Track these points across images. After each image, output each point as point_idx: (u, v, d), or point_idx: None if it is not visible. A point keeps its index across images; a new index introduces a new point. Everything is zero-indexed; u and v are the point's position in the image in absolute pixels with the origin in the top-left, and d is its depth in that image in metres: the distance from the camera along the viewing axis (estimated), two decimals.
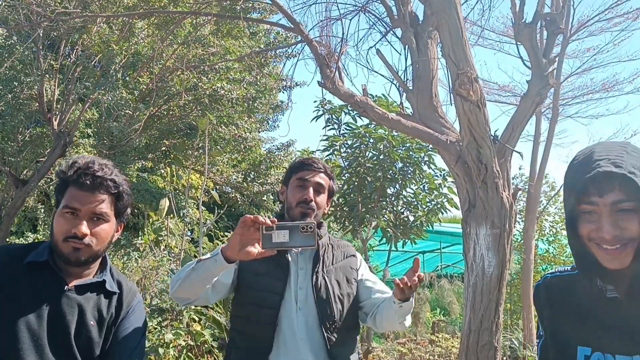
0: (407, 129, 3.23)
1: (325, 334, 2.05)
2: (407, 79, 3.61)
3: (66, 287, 1.58)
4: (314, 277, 2.12)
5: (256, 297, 2.08)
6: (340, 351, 2.09)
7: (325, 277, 2.14)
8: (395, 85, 3.65)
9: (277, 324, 2.04)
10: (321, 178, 2.23)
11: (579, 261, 1.37)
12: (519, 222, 8.75)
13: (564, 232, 10.78)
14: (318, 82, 3.23)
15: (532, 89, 3.15)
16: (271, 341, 2.02)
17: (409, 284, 1.84)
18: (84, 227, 1.57)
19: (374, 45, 3.79)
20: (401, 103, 3.71)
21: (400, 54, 3.66)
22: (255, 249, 1.72)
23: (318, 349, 2.04)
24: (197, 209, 7.11)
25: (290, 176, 2.27)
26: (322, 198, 2.23)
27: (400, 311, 1.99)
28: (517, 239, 9.14)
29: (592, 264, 1.32)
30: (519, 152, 3.17)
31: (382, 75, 3.75)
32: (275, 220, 1.72)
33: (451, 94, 2.95)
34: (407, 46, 3.60)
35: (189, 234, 8.91)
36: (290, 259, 2.14)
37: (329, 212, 7.34)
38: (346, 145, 7.36)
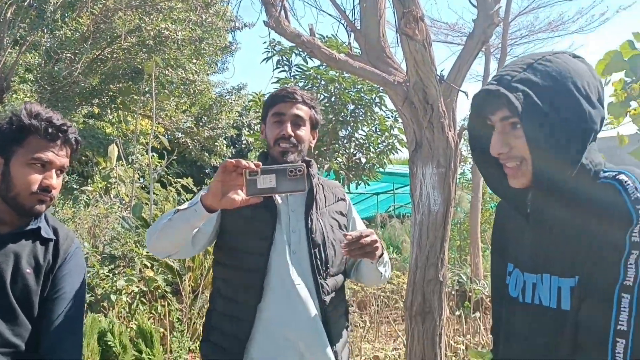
0: (354, 70, 3.20)
1: (319, 280, 1.96)
2: (354, 19, 3.55)
3: None
4: (309, 219, 2.00)
5: (243, 243, 1.97)
6: (332, 299, 2.00)
7: (320, 219, 2.04)
8: (343, 25, 3.59)
9: (266, 271, 1.92)
10: (299, 109, 2.06)
11: (486, 177, 1.38)
12: (469, 162, 8.95)
13: None
14: (264, 21, 3.14)
15: (477, 28, 3.15)
16: (260, 290, 1.91)
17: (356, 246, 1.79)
18: (55, 181, 1.57)
19: None
20: (349, 43, 3.67)
21: None
22: (239, 196, 1.59)
23: (310, 296, 1.94)
24: (147, 155, 6.97)
25: (267, 112, 2.11)
26: (304, 131, 2.06)
27: (374, 267, 1.98)
28: (467, 177, 9.39)
29: (500, 184, 1.33)
30: (464, 92, 3.21)
31: (330, 15, 3.68)
32: (260, 164, 1.58)
33: (397, 34, 2.93)
34: None
35: (141, 180, 8.78)
36: (280, 200, 2.01)
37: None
38: (297, 88, 7.28)
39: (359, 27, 3.46)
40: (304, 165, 1.61)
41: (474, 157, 1.38)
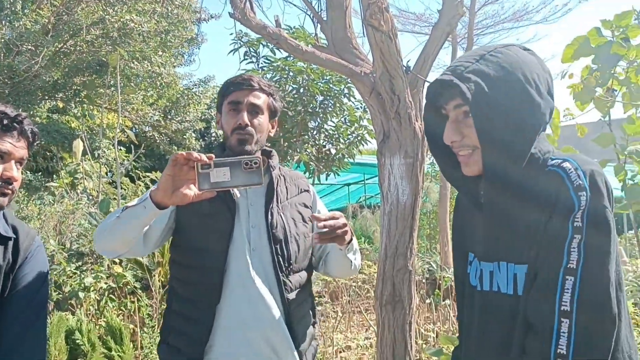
0: (321, 61, 3.19)
1: (281, 278, 1.86)
2: (321, 10, 3.54)
3: None
4: (269, 214, 1.90)
5: (199, 241, 1.86)
6: (296, 296, 1.91)
7: (282, 213, 1.93)
8: (310, 16, 3.58)
9: (225, 270, 1.81)
10: (256, 97, 1.94)
11: (442, 167, 1.42)
12: None
13: None
14: (229, 13, 3.11)
15: (442, 18, 3.17)
16: (219, 289, 1.81)
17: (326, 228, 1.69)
18: (16, 172, 1.52)
19: None
20: (316, 35, 3.65)
21: None
22: (191, 191, 1.50)
23: (272, 295, 1.84)
24: (114, 149, 6.86)
25: (222, 100, 1.99)
26: (261, 119, 1.95)
27: (343, 254, 1.90)
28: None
29: (454, 173, 1.37)
30: (430, 82, 3.23)
31: (296, 6, 3.66)
32: (213, 156, 1.48)
33: (363, 25, 2.93)
34: None
35: (109, 175, 8.64)
36: (238, 194, 1.89)
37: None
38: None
39: (325, 18, 3.45)
40: (260, 157, 1.53)
41: (430, 146, 1.41)
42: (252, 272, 1.82)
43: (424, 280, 6.72)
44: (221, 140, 2.10)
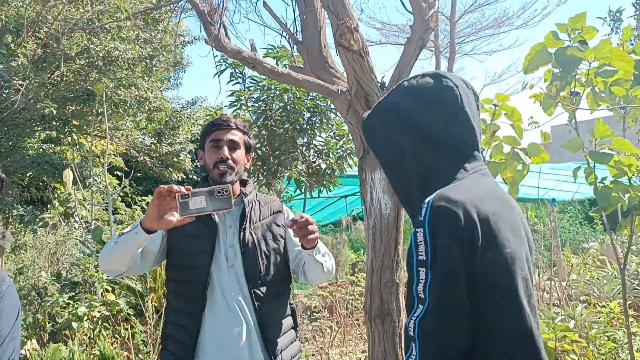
0: (298, 82, 3.25)
1: (252, 289, 2.13)
2: (296, 31, 3.60)
3: None
4: (242, 234, 2.19)
5: (187, 258, 2.16)
6: (268, 304, 2.17)
7: (253, 233, 2.21)
8: (285, 37, 3.64)
9: (208, 283, 2.10)
10: (234, 135, 2.26)
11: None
12: None
13: None
14: (204, 39, 3.17)
15: (414, 33, 3.23)
16: (204, 299, 2.10)
17: (300, 227, 1.98)
18: None
19: None
20: (292, 56, 3.71)
21: (288, 5, 3.64)
22: (174, 217, 1.80)
23: (245, 304, 2.13)
24: (104, 176, 6.90)
25: (205, 139, 2.30)
26: (239, 154, 2.26)
27: (313, 258, 2.14)
28: None
29: None
30: None
31: (272, 29, 3.72)
32: (190, 188, 1.79)
33: (335, 45, 2.99)
34: None
35: (105, 202, 8.66)
36: (217, 218, 2.19)
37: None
38: (252, 99, 7.29)
39: (300, 39, 3.51)
40: (230, 186, 1.84)
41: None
42: (230, 285, 2.13)
43: None
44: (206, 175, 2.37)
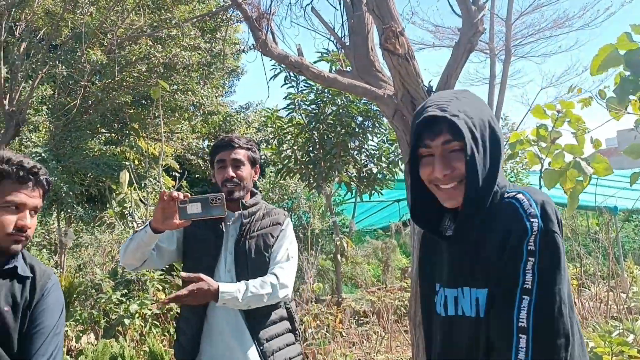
0: (344, 86, 3.24)
1: None
2: (344, 35, 3.61)
3: None
4: (238, 242, 2.39)
5: (196, 261, 2.38)
6: (256, 309, 2.32)
7: (247, 242, 2.40)
8: (333, 42, 3.65)
9: None
10: (237, 154, 2.43)
11: (414, 205, 1.49)
12: None
13: (526, 172, 11.02)
14: (252, 45, 3.22)
15: (463, 37, 3.17)
16: None
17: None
18: (29, 221, 1.65)
19: (311, 1, 3.77)
20: (341, 59, 3.71)
21: (336, 10, 3.65)
22: (176, 220, 2.03)
23: None
24: (159, 178, 7.11)
25: (212, 159, 2.50)
26: (244, 170, 2.44)
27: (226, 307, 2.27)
28: None
29: (429, 206, 1.45)
30: None
31: (320, 33, 3.74)
32: (189, 194, 2.03)
33: (380, 49, 2.97)
34: (341, 1, 3.59)
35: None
36: (224, 227, 2.41)
37: (296, 170, 7.42)
38: (306, 103, 7.35)
39: (347, 43, 3.51)
40: (223, 195, 2.05)
41: (411, 179, 1.46)
42: None
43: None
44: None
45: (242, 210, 2.45)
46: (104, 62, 7.46)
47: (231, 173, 2.39)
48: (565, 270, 1.24)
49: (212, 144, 2.65)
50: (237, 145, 2.44)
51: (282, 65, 7.27)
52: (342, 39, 3.58)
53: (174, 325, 4.50)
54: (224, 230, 2.40)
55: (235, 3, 3.10)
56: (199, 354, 2.34)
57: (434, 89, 3.21)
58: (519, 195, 1.32)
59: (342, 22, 3.62)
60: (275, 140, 7.59)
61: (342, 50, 3.58)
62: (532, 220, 1.25)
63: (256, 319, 2.36)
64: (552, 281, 1.22)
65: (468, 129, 1.30)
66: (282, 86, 7.31)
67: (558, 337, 1.20)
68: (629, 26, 2.86)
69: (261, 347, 2.33)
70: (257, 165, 2.55)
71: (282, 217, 2.53)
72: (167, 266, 5.08)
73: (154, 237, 2.12)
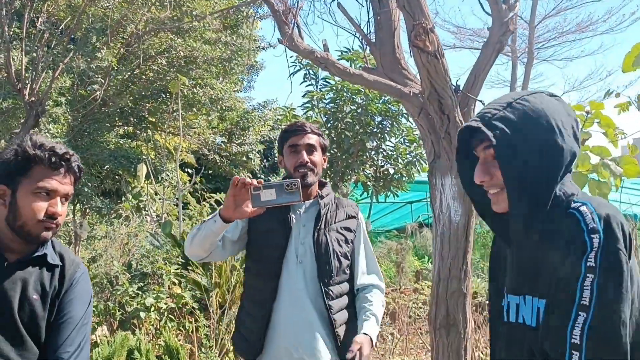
0: (369, 83, 3.20)
1: (322, 288, 2.25)
2: (369, 32, 3.56)
3: (6, 263, 1.59)
4: (316, 234, 2.30)
5: (262, 252, 2.33)
6: (336, 303, 2.29)
7: (327, 234, 2.32)
8: (359, 38, 3.60)
9: (280, 276, 2.25)
10: (310, 139, 2.37)
11: (475, 207, 1.53)
12: None
13: None
14: (278, 39, 3.18)
15: (492, 36, 3.12)
16: (275, 291, 2.25)
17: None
18: (60, 208, 1.62)
19: None
20: (365, 56, 3.67)
21: (363, 6, 3.60)
22: (248, 208, 1.94)
23: (316, 300, 2.25)
24: (176, 172, 7.13)
25: (283, 145, 2.42)
26: (317, 156, 2.38)
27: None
28: None
29: (486, 212, 1.48)
30: (481, 101, 3.17)
31: (345, 29, 3.69)
32: (262, 181, 1.92)
33: (409, 46, 2.92)
34: None
35: (176, 197, 8.94)
36: (293, 217, 2.33)
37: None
38: (325, 101, 7.31)
39: (373, 40, 3.47)
40: (299, 180, 1.95)
41: (464, 186, 1.52)
42: (297, 280, 2.25)
43: (487, 302, 6.48)
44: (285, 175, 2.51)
45: (319, 199, 2.38)
46: (123, 55, 7.48)
47: (305, 158, 2.33)
48: (628, 290, 1.20)
49: (279, 132, 2.60)
50: (309, 130, 2.39)
51: (303, 62, 7.27)
52: (368, 35, 3.53)
53: (190, 320, 4.50)
54: (293, 220, 2.33)
55: None
56: (265, 347, 2.27)
57: (461, 88, 3.16)
58: (583, 208, 1.29)
59: (368, 18, 3.57)
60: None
61: (368, 47, 3.53)
62: (592, 236, 1.22)
63: (338, 320, 2.29)
64: (611, 300, 1.18)
65: (506, 138, 1.30)
66: (300, 84, 7.29)
67: (612, 357, 1.17)
68: None
69: (337, 338, 2.27)
70: (326, 154, 2.50)
71: (355, 209, 2.50)
72: (183, 260, 5.08)
73: (224, 226, 2.06)
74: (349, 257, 2.38)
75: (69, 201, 1.69)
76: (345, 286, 2.36)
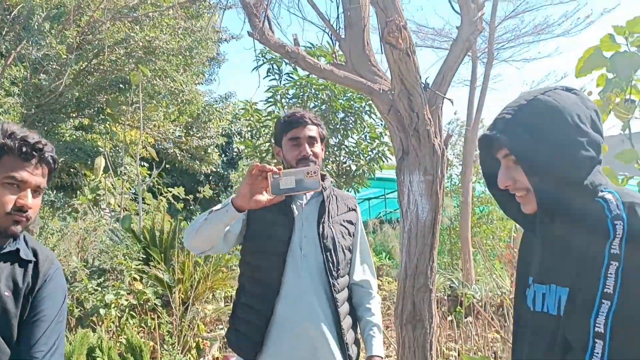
0: (339, 79, 3.19)
1: (330, 280, 2.21)
2: (339, 28, 3.55)
3: None
4: (320, 227, 2.25)
5: (264, 245, 2.24)
6: (341, 296, 2.27)
7: (332, 227, 2.29)
8: (328, 34, 3.59)
9: (283, 270, 2.18)
10: (310, 130, 2.33)
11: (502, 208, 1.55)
12: (456, 166, 8.97)
13: None
14: (248, 32, 3.13)
15: (461, 35, 3.16)
16: (278, 286, 2.18)
17: None
18: (30, 200, 1.54)
19: None
20: (334, 52, 3.66)
21: (332, 1, 3.60)
22: (264, 197, 1.86)
23: (322, 293, 2.20)
24: (135, 165, 6.96)
25: (282, 136, 2.35)
26: (318, 147, 2.34)
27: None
28: (456, 182, 9.41)
29: (510, 209, 1.50)
30: (449, 99, 3.21)
31: (315, 24, 3.68)
32: (282, 168, 1.85)
33: (381, 43, 2.93)
34: None
35: (132, 191, 8.74)
36: (295, 209, 2.27)
37: (273, 164, 7.24)
38: (288, 96, 7.28)
39: (343, 36, 3.46)
40: (318, 167, 1.91)
41: (489, 188, 1.53)
42: (303, 273, 2.19)
43: (445, 297, 6.62)
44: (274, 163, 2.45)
45: (323, 191, 2.30)
46: (79, 43, 7.25)
47: (308, 150, 2.27)
48: None
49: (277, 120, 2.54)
50: (310, 122, 2.34)
51: (267, 56, 7.22)
52: (338, 31, 3.52)
53: (152, 317, 4.41)
54: (295, 212, 2.27)
55: None
56: (265, 346, 2.18)
57: (430, 86, 3.19)
58: (608, 196, 1.29)
59: (338, 14, 3.57)
60: (249, 133, 7.48)
61: (337, 43, 3.53)
62: (616, 222, 1.22)
63: (343, 314, 2.27)
64: (636, 287, 1.18)
65: (526, 142, 1.31)
66: (264, 78, 7.23)
67: (637, 345, 1.17)
68: (611, 27, 2.86)
69: (344, 338, 2.24)
70: (324, 143, 2.46)
71: (353, 203, 2.47)
72: (144, 256, 4.98)
73: (236, 216, 1.97)
74: (351, 250, 2.37)
75: (42, 194, 1.61)
76: (347, 279, 2.35)
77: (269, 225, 2.23)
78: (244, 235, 2.30)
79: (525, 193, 1.37)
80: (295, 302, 2.17)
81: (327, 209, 2.30)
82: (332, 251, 2.25)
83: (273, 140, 2.50)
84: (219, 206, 2.05)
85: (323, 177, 2.36)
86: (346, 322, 2.27)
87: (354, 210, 2.45)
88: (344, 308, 2.27)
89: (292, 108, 7.13)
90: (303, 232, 2.24)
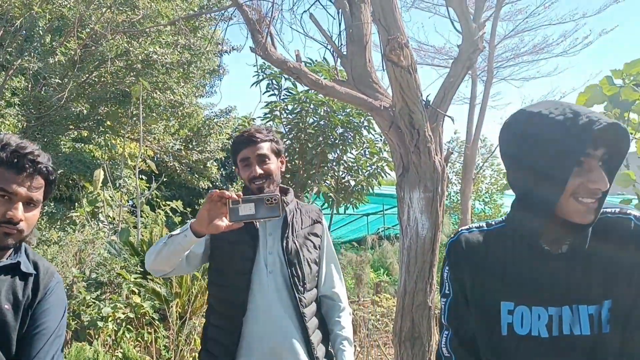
0: (340, 95, 3.21)
1: (296, 295, 2.19)
2: (341, 44, 3.58)
3: None
4: (284, 242, 2.24)
5: (229, 264, 2.22)
6: (309, 310, 2.24)
7: (296, 241, 2.27)
8: (330, 50, 3.62)
9: (249, 288, 2.16)
10: (261, 148, 2.29)
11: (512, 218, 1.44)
12: (455, 184, 8.98)
13: (499, 193, 11.16)
14: (250, 47, 3.16)
15: (462, 53, 3.19)
16: (245, 304, 2.15)
17: None
18: (20, 213, 1.50)
19: (308, 9, 3.73)
20: (335, 69, 3.68)
21: (335, 19, 3.63)
22: (223, 223, 1.82)
23: (289, 309, 2.18)
24: (135, 178, 6.96)
25: (235, 158, 2.35)
26: (270, 164, 2.30)
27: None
28: (455, 200, 9.40)
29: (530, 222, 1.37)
30: (450, 117, 3.22)
31: (316, 41, 3.71)
32: (241, 194, 1.82)
33: (383, 60, 2.95)
34: (340, 10, 3.56)
35: (130, 203, 8.73)
36: (258, 226, 2.25)
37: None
38: (287, 111, 7.30)
39: (345, 53, 3.49)
40: (279, 194, 1.85)
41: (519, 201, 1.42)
42: (269, 290, 2.17)
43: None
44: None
45: (285, 205, 2.29)
46: (80, 56, 7.28)
47: (258, 170, 2.25)
48: None
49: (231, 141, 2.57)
50: (259, 140, 2.30)
51: (266, 72, 7.25)
52: (339, 48, 3.55)
53: (149, 331, 4.38)
54: (258, 228, 2.25)
55: (236, 4, 3.04)
56: None
57: (431, 104, 3.21)
58: (633, 212, 1.34)
59: (340, 31, 3.60)
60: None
61: (339, 60, 3.55)
62: None
63: (311, 328, 2.24)
64: None
65: (619, 147, 1.31)
66: (263, 93, 7.26)
67: None
68: (609, 71, 2.98)
69: (314, 352, 2.20)
70: (282, 155, 2.42)
71: (318, 213, 2.45)
72: (142, 269, 4.95)
73: (194, 241, 1.95)
74: (317, 263, 2.34)
75: (38, 206, 1.57)
76: (314, 292, 2.32)
77: (233, 244, 2.21)
78: (209, 255, 2.28)
79: (595, 200, 1.31)
80: (263, 319, 2.16)
81: (290, 223, 2.29)
82: (297, 265, 2.22)
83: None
84: (177, 231, 2.04)
85: (286, 191, 2.39)
86: (315, 336, 2.24)
87: (319, 222, 2.42)
88: (312, 322, 2.25)
89: (291, 123, 7.17)
90: (267, 249, 2.23)
